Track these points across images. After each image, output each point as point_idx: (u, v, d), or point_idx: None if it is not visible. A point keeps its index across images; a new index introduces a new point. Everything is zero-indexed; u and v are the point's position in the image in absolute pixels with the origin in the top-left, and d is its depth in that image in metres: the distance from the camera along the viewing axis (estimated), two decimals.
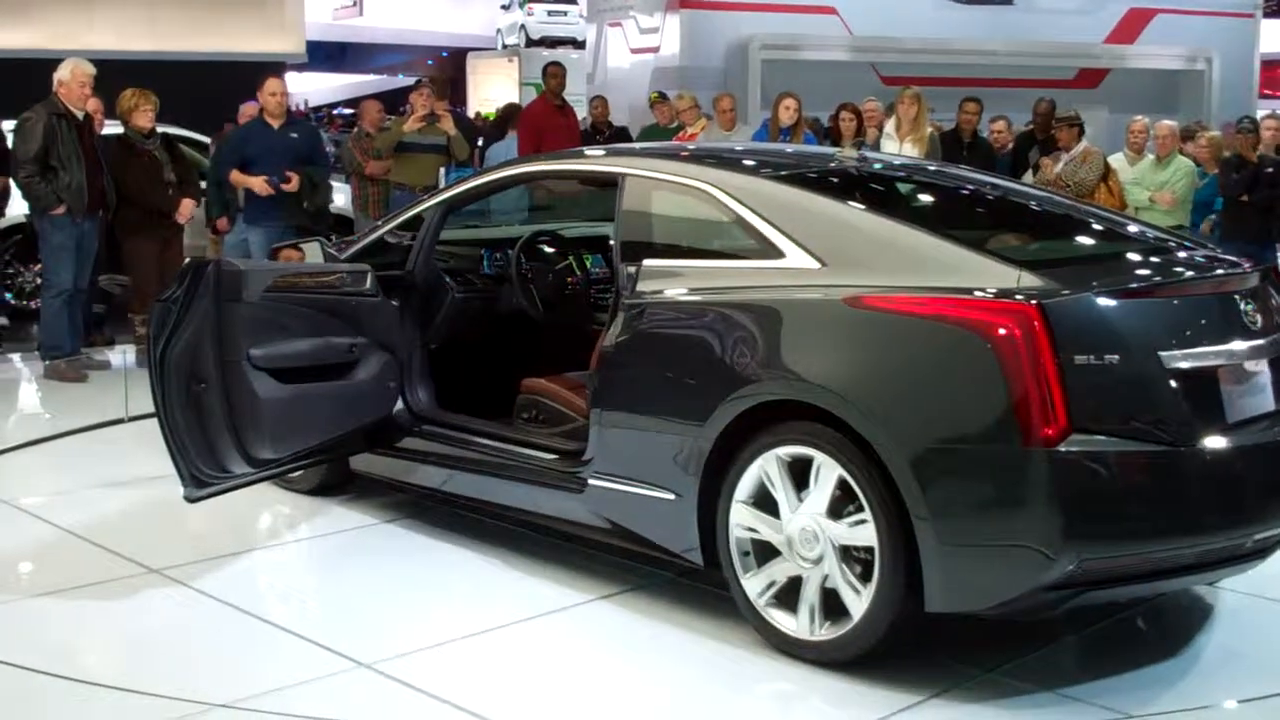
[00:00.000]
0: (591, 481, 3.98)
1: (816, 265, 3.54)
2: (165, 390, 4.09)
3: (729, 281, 3.70)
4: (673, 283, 3.84)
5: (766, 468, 3.54)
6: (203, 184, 8.12)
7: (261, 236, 7.60)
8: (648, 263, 3.93)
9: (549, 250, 5.31)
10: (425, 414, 4.70)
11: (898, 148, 8.29)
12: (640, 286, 3.90)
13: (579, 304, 5.28)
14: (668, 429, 3.72)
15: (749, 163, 4.22)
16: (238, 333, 4.13)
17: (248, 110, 8.60)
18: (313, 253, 4.77)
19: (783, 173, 4.00)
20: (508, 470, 4.34)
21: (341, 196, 8.84)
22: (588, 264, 5.42)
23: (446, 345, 4.98)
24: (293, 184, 7.60)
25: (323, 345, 4.41)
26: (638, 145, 5.74)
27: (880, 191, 4.23)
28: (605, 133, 10.45)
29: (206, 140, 10.03)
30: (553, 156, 5.18)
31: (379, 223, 5.12)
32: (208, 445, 4.13)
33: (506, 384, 4.82)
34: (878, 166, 4.51)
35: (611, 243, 5.48)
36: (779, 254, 3.63)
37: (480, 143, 11.99)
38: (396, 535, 4.66)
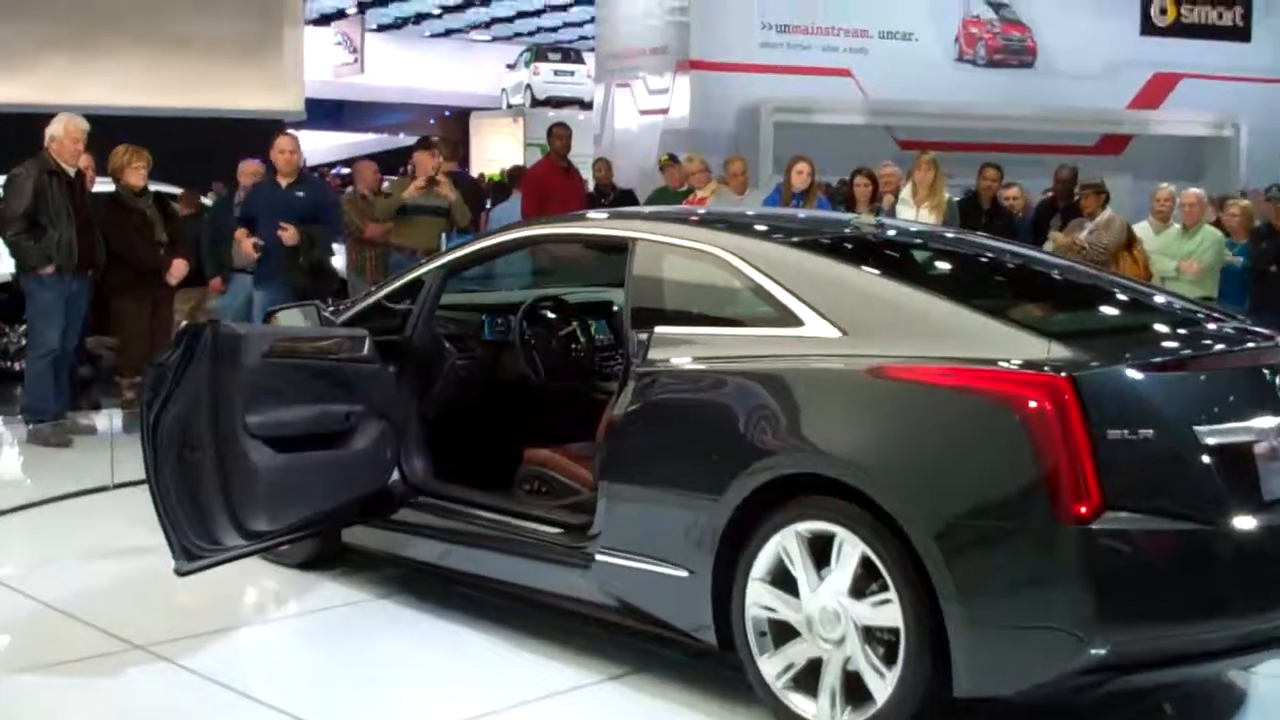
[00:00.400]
0: (599, 557, 3.97)
1: (837, 334, 3.56)
2: (157, 457, 4.10)
3: (745, 350, 3.72)
4: (686, 351, 3.86)
5: (785, 544, 3.53)
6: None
7: (266, 297, 7.64)
8: (660, 330, 3.96)
9: (552, 316, 5.33)
10: (422, 485, 4.71)
11: (914, 214, 8.35)
12: (652, 354, 3.93)
13: (583, 371, 5.29)
14: (680, 503, 3.72)
15: (764, 228, 4.26)
16: (234, 399, 4.15)
17: (247, 169, 8.66)
18: (309, 317, 4.78)
19: (799, 238, 4.04)
20: (509, 544, 4.33)
21: (338, 259, 8.92)
22: (592, 330, 5.46)
23: (445, 413, 4.99)
24: (290, 236, 7.63)
25: (320, 413, 4.43)
26: (647, 209, 5.78)
27: (900, 258, 4.27)
28: (610, 195, 10.55)
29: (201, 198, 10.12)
30: (558, 220, 5.22)
31: (376, 287, 5.18)
32: (200, 516, 4.14)
33: (507, 454, 4.82)
34: (896, 232, 4.54)
35: (617, 309, 5.59)
36: (797, 322, 3.65)
37: (488, 205, 12.07)
38: (390, 612, 4.64)
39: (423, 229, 8.53)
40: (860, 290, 3.67)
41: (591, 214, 5.27)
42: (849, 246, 4.09)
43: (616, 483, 3.93)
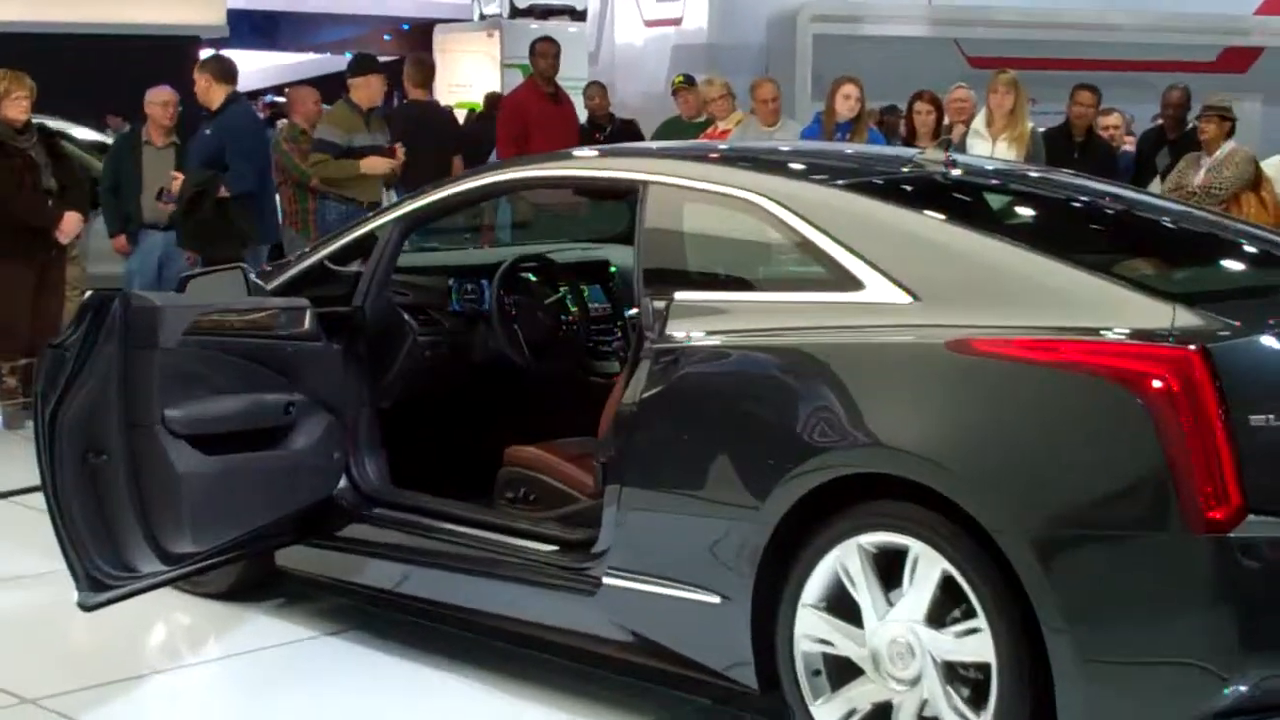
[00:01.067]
0: (606, 580, 3.99)
1: (907, 299, 3.58)
2: (56, 463, 4.10)
3: (791, 321, 3.73)
4: (715, 322, 3.87)
5: (845, 561, 3.54)
6: None
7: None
8: (681, 297, 3.96)
9: (536, 280, 5.33)
10: (376, 493, 4.73)
11: (989, 148, 8.35)
12: (672, 328, 3.93)
13: (576, 350, 5.30)
14: (711, 512, 3.74)
15: (810, 167, 4.25)
16: (151, 389, 4.13)
17: (158, 98, 8.65)
18: (234, 284, 4.76)
19: (855, 180, 4.05)
20: (487, 566, 4.35)
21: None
22: (585, 297, 5.48)
23: (405, 403, 5.01)
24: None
25: (254, 404, 4.43)
26: (659, 145, 5.76)
27: (978, 204, 4.27)
28: (607, 128, 10.51)
29: (100, 137, 10.07)
30: (545, 159, 5.19)
31: (315, 244, 5.15)
32: (109, 535, 4.14)
33: (483, 453, 4.83)
34: (972, 172, 4.55)
35: (616, 270, 5.68)
36: (856, 285, 3.66)
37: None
38: (339, 653, 4.64)
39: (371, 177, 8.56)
40: (935, 244, 3.67)
41: (584, 151, 5.27)
42: (916, 190, 4.09)
43: (630, 488, 3.94)
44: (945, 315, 3.48)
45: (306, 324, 4.60)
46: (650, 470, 3.91)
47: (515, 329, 5.09)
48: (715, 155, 4.44)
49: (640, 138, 10.10)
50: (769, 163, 4.24)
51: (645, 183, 4.16)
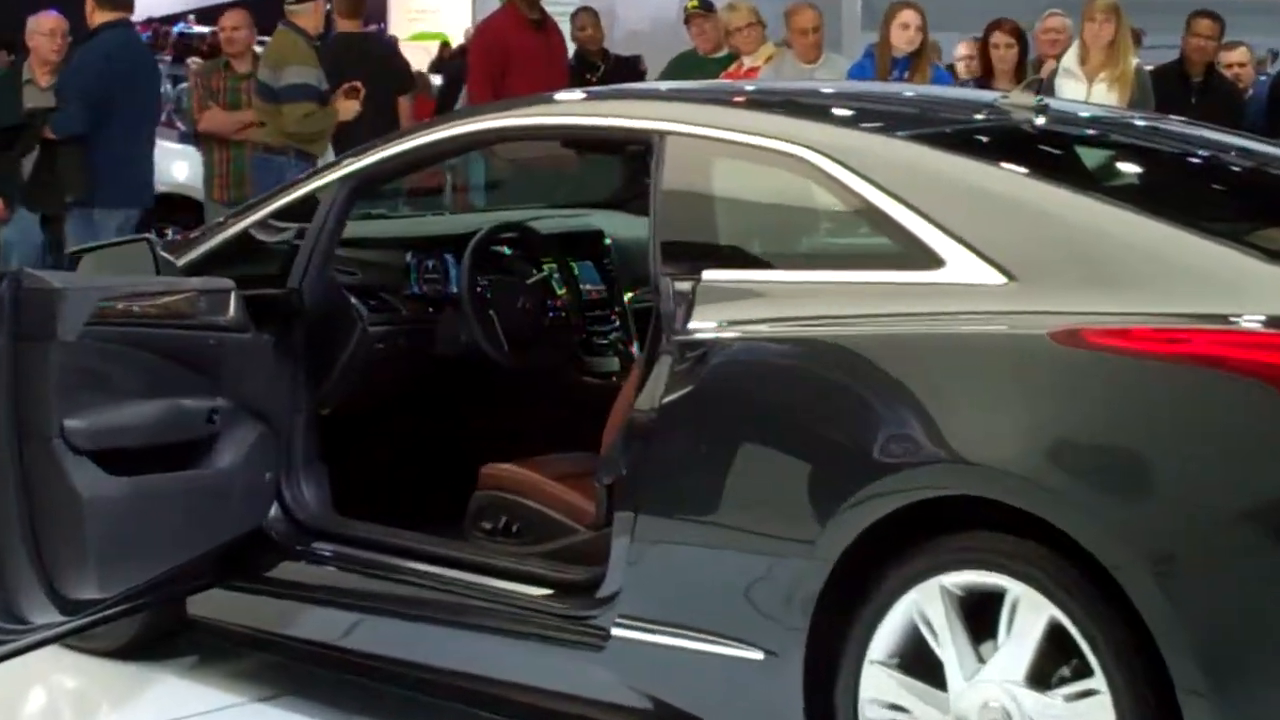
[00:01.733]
0: (617, 632, 4.00)
1: (999, 279, 3.61)
2: None
3: (850, 307, 3.75)
4: (754, 308, 3.91)
5: (924, 607, 3.57)
6: None
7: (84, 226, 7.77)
8: (710, 277, 3.98)
9: (514, 255, 5.37)
10: (316, 523, 4.75)
11: (1084, 91, 8.37)
12: (700, 316, 3.94)
13: (566, 343, 5.35)
14: (752, 546, 3.78)
15: (870, 115, 4.29)
16: (47, 392, 4.12)
17: (42, 26, 8.74)
18: (139, 259, 4.74)
19: (928, 132, 4.08)
20: (459, 615, 4.37)
21: (185, 166, 9.00)
22: (576, 275, 5.51)
23: (351, 409, 5.04)
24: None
25: (172, 412, 4.43)
26: (674, 86, 5.74)
27: (1079, 161, 4.30)
28: (599, 67, 10.55)
29: None
30: (533, 105, 5.18)
31: (238, 209, 5.16)
32: None
33: (451, 473, 4.87)
34: (1069, 120, 4.58)
35: (611, 243, 5.78)
36: (935, 261, 3.70)
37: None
38: None
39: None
40: (1033, 211, 3.70)
41: (579, 95, 5.28)
42: (1002, 142, 4.13)
43: (645, 516, 3.95)
44: (1047, 299, 3.50)
45: (231, 310, 4.59)
46: (673, 494, 3.92)
47: (491, 316, 5.10)
48: (749, 99, 4.49)
49: (643, 78, 10.09)
50: (817, 108, 4.26)
51: (661, 134, 4.18)
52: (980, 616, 3.50)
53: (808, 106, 4.29)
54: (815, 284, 3.89)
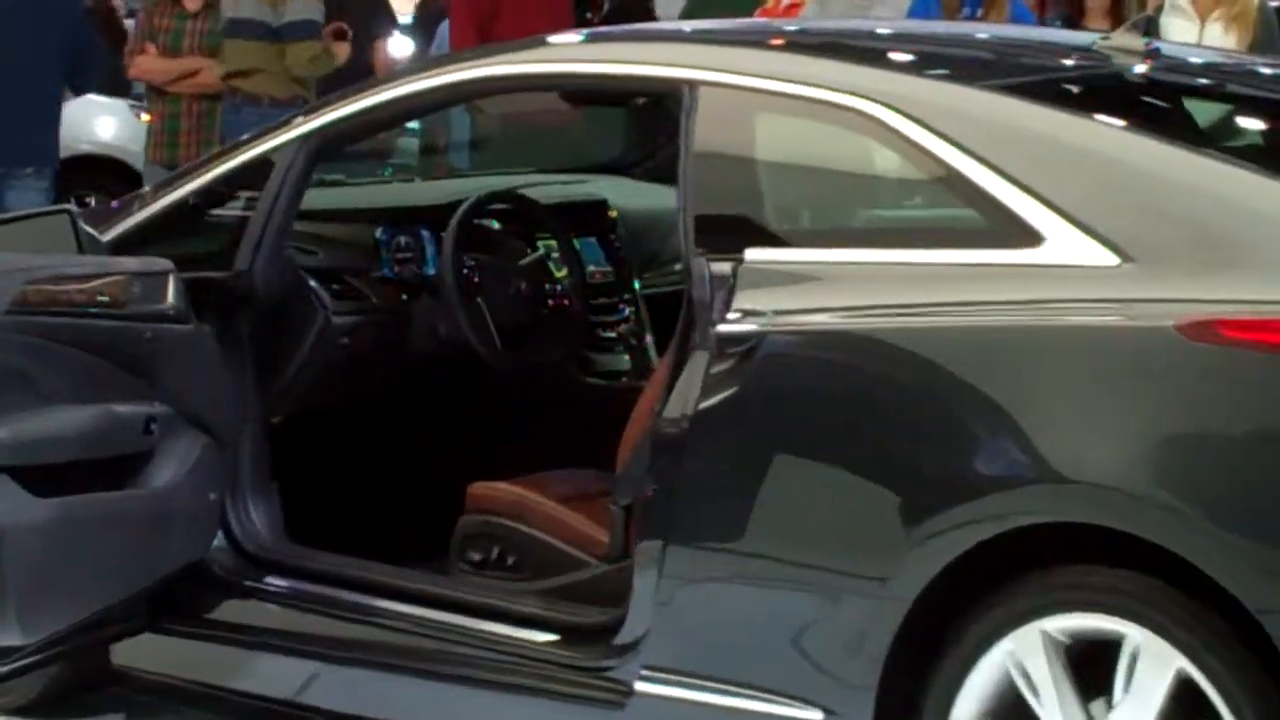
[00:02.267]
0: (641, 687, 4.01)
1: (1112, 260, 3.62)
2: None
3: (929, 293, 3.78)
4: (810, 294, 3.92)
5: (1022, 657, 3.57)
6: None
7: None
8: (755, 257, 3.98)
9: (503, 230, 5.39)
10: (268, 554, 4.76)
11: (1197, 32, 8.38)
12: (743, 302, 3.95)
13: (570, 336, 5.37)
14: (809, 583, 3.79)
15: (945, 62, 4.34)
16: None
17: None
18: (59, 235, 4.72)
19: (1016, 81, 4.10)
20: (444, 665, 4.39)
21: (113, 123, 9.05)
22: (578, 254, 5.54)
23: (308, 416, 5.07)
24: None
25: (104, 420, 4.44)
26: (703, 27, 5.73)
27: (1195, 117, 4.32)
28: (602, 6, 10.56)
29: None
30: (533, 49, 5.12)
31: (179, 174, 5.15)
32: None
33: (430, 493, 4.90)
34: (1183, 69, 4.61)
35: (617, 215, 5.80)
36: (1033, 238, 3.71)
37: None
38: None
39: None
40: (1149, 179, 3.73)
41: (577, 38, 5.32)
42: (1106, 95, 4.15)
43: (676, 547, 3.95)
44: (1170, 284, 3.53)
45: (170, 297, 4.60)
46: (712, 519, 3.93)
47: (479, 304, 5.11)
48: (798, 42, 4.52)
49: (653, 17, 10.05)
50: (881, 53, 4.29)
51: (692, 84, 4.19)
52: (1091, 669, 3.50)
53: (870, 51, 4.32)
54: (883, 266, 3.89)
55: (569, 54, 4.94)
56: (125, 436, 4.48)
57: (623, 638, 4.04)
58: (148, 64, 8.93)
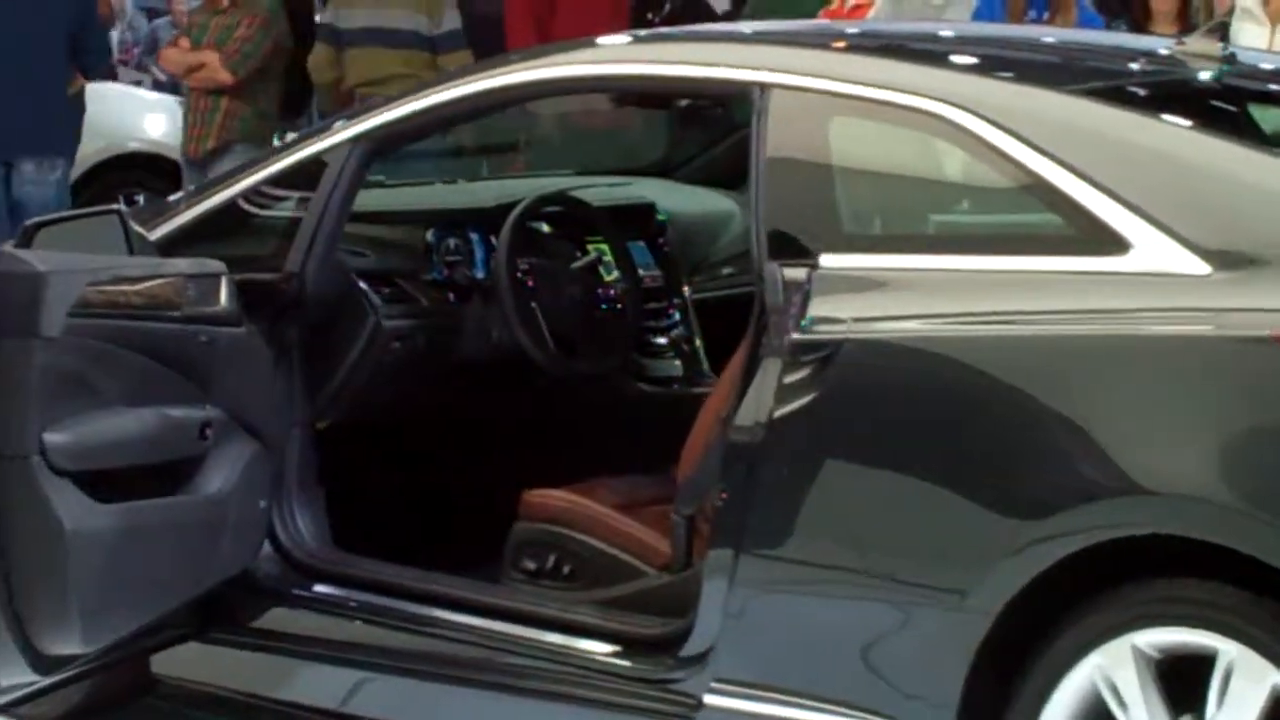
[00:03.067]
0: (711, 700, 3.99)
1: (1203, 268, 3.62)
2: None
3: (1013, 301, 3.77)
4: (889, 302, 3.93)
5: (1110, 672, 3.56)
6: None
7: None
8: (831, 264, 3.96)
9: (553, 233, 5.38)
10: (316, 562, 4.75)
11: (1268, 37, 8.42)
12: (819, 309, 3.93)
13: (624, 341, 5.36)
14: (888, 595, 3.79)
15: (1024, 66, 4.36)
16: (25, 401, 4.15)
17: None
18: (110, 235, 4.70)
19: (1099, 86, 4.10)
20: (501, 676, 4.38)
21: (162, 120, 9.07)
22: (633, 258, 5.52)
23: (355, 421, 5.05)
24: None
25: (163, 425, 4.44)
26: (771, 28, 5.70)
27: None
28: (664, 4, 10.47)
29: None
30: (593, 49, 5.06)
31: (227, 175, 5.15)
32: None
33: (479, 499, 4.90)
34: (1262, 75, 4.58)
35: (665, 219, 5.79)
36: (1120, 245, 3.70)
37: None
38: None
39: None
40: (1240, 185, 3.73)
41: (642, 39, 5.27)
42: (1190, 101, 4.14)
43: (750, 556, 3.94)
44: (1264, 293, 3.52)
45: (223, 299, 4.59)
46: (787, 529, 3.92)
47: (533, 309, 5.09)
48: (873, 44, 4.52)
49: (715, 18, 10.02)
50: (959, 56, 4.28)
51: (763, 87, 4.18)
52: (1183, 684, 3.48)
53: (946, 54, 4.33)
54: (964, 273, 3.88)
55: (635, 55, 4.91)
56: (182, 441, 4.48)
57: (690, 649, 4.03)
58: (166, 55, 9.14)
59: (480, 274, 5.19)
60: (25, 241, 4.78)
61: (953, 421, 3.75)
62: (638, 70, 4.82)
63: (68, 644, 4.25)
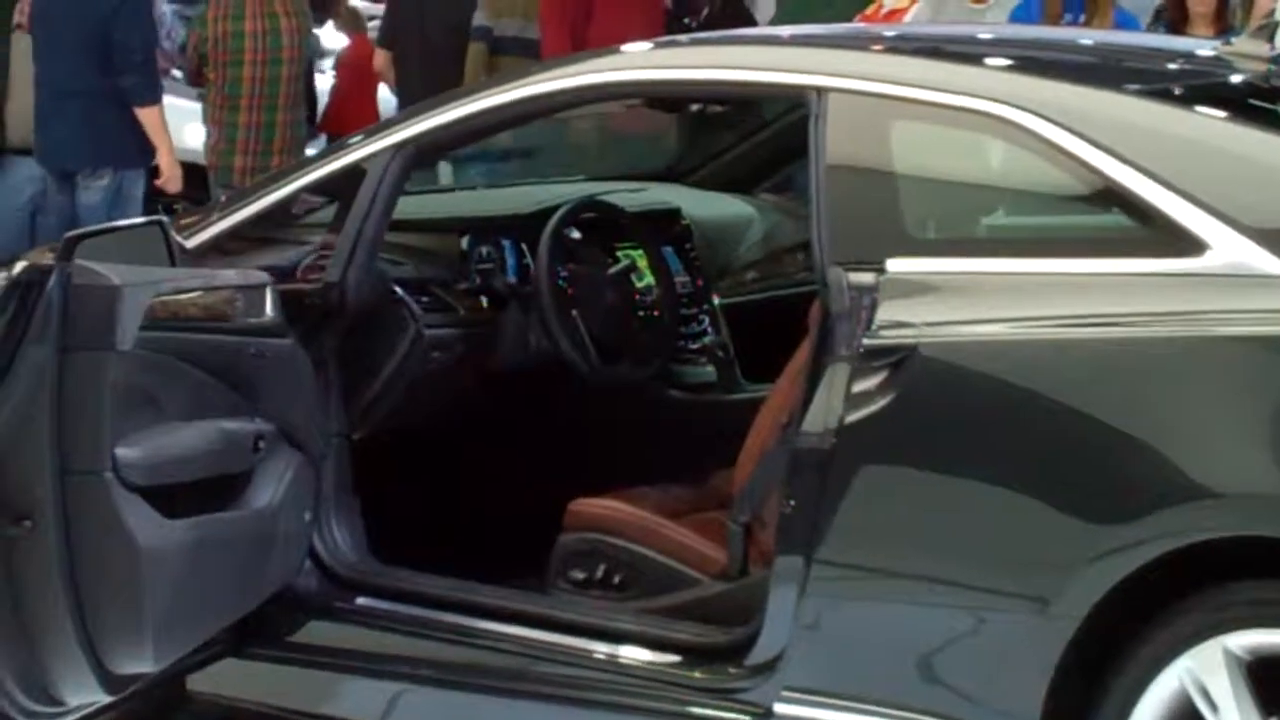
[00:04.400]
0: (782, 709, 3.99)
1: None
2: None
3: (1088, 304, 3.77)
4: (962, 306, 3.92)
5: (1201, 675, 3.55)
6: None
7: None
8: (899, 268, 3.96)
9: (584, 239, 5.37)
10: (357, 574, 4.74)
11: None
12: (889, 314, 3.93)
13: (663, 348, 5.37)
14: (965, 602, 3.78)
15: (1082, 68, 4.36)
16: (99, 415, 4.12)
17: None
18: (148, 247, 4.67)
19: (1160, 88, 4.12)
20: (558, 688, 4.36)
21: (200, 129, 9.17)
22: (667, 267, 5.54)
23: (389, 431, 5.04)
24: None
25: (221, 439, 4.44)
26: (821, 31, 5.68)
27: None
28: (706, 7, 10.39)
29: None
30: (646, 54, 5.04)
31: (263, 182, 5.18)
32: (27, 646, 4.16)
33: (516, 509, 4.92)
34: None
35: (689, 223, 5.82)
36: (1196, 246, 3.71)
37: None
38: None
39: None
40: None
41: (693, 42, 5.26)
42: (1251, 102, 4.18)
43: (822, 563, 3.93)
44: None
45: (269, 311, 4.59)
46: (859, 536, 3.91)
47: (575, 317, 5.08)
48: (927, 47, 4.54)
49: (754, 23, 9.96)
50: (1017, 59, 4.29)
51: (820, 90, 4.18)
52: (1275, 686, 3.48)
53: (1003, 57, 4.31)
54: (1037, 276, 3.89)
55: (685, 60, 4.88)
56: (238, 455, 4.47)
57: (756, 657, 4.02)
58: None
59: (512, 280, 5.19)
60: (66, 254, 4.78)
61: (1036, 425, 3.74)
62: (688, 75, 4.78)
63: (140, 663, 4.24)
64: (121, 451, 4.14)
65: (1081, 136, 3.86)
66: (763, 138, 6.20)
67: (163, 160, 8.80)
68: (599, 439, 5.20)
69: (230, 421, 4.47)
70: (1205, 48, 4.79)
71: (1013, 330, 3.81)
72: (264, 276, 4.63)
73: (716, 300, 5.68)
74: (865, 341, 3.92)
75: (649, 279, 5.40)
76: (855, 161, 4.13)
